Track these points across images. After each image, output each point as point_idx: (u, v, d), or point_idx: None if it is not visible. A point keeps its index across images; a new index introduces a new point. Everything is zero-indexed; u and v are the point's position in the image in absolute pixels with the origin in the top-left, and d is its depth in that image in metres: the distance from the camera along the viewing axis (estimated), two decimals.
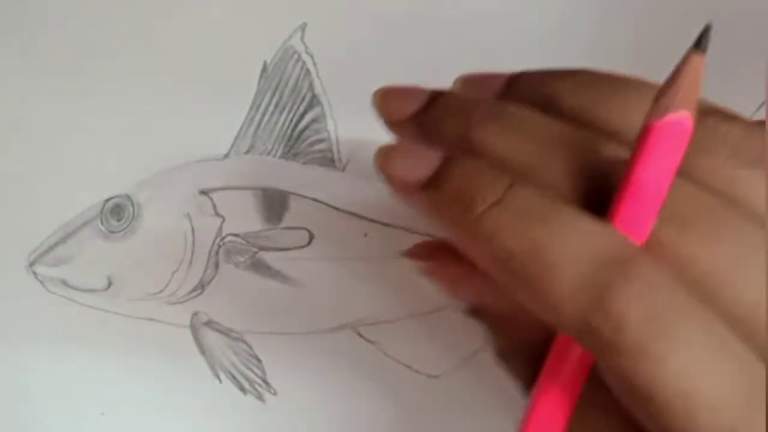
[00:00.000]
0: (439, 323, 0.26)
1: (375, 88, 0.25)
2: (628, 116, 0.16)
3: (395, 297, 0.26)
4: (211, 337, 0.25)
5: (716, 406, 0.14)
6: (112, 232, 0.25)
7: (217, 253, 0.25)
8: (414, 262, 0.21)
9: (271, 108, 0.25)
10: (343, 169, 0.25)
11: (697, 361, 0.14)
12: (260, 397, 0.25)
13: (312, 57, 0.25)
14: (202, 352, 0.25)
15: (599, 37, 0.26)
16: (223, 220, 0.25)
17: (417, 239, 0.25)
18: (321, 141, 0.25)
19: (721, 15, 0.24)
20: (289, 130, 0.25)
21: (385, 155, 0.19)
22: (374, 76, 0.25)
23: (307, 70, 0.25)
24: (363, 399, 0.26)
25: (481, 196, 0.15)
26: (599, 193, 0.15)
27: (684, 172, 0.15)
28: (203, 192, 0.25)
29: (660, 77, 0.16)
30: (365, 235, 0.25)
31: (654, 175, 0.15)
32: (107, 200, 0.25)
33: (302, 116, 0.25)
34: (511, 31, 0.25)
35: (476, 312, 0.20)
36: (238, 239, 0.25)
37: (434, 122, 0.18)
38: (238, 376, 0.25)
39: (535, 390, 0.16)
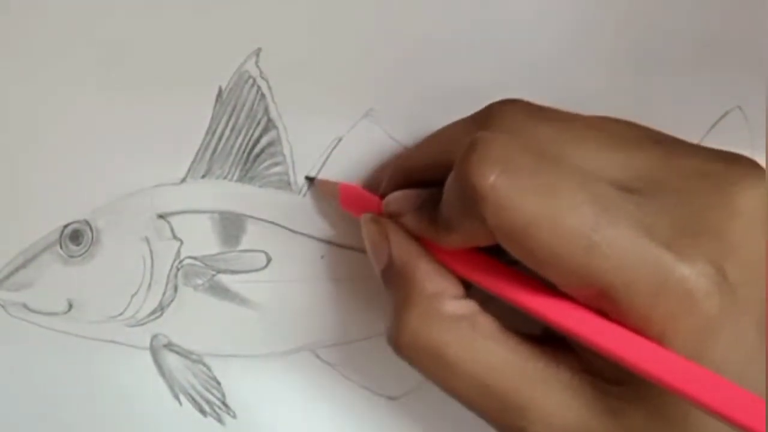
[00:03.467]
0: None
1: (329, 111, 0.25)
2: None
3: (353, 319, 0.26)
4: (170, 359, 0.26)
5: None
6: (72, 256, 0.25)
7: (175, 276, 0.25)
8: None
9: (227, 132, 0.25)
10: (300, 192, 0.25)
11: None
12: (220, 420, 0.26)
13: (267, 81, 0.25)
14: (162, 374, 0.26)
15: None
16: (181, 243, 0.25)
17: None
18: (277, 164, 0.25)
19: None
20: (245, 154, 0.25)
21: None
22: (329, 100, 0.25)
23: (263, 95, 0.25)
24: (322, 421, 0.26)
25: None
26: None
27: None
28: (161, 216, 0.25)
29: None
30: (322, 257, 0.26)
31: None
32: (66, 226, 0.25)
33: (258, 140, 0.25)
34: (479, 65, 0.25)
35: None
36: (197, 262, 0.25)
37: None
38: (198, 399, 0.26)
39: None
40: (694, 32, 0.27)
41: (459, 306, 0.20)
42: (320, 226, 0.25)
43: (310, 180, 0.25)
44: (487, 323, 0.20)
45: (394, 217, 0.22)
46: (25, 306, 0.25)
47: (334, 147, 0.25)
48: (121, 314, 0.25)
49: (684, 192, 0.18)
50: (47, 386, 0.26)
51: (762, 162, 0.20)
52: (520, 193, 0.17)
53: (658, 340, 0.17)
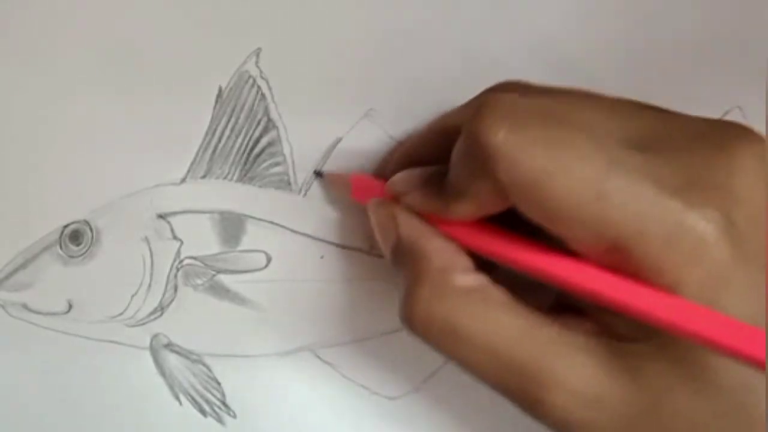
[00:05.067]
0: (397, 345, 0.26)
1: (329, 111, 0.25)
2: None
3: (353, 319, 0.26)
4: (170, 359, 0.26)
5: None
6: (72, 257, 0.25)
7: (175, 276, 0.25)
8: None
9: (227, 132, 0.25)
10: (300, 192, 0.25)
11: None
12: (220, 420, 0.26)
13: (267, 81, 0.25)
14: (162, 374, 0.26)
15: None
16: (181, 243, 0.25)
17: (373, 261, 0.26)
18: (277, 164, 0.25)
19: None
20: (245, 154, 0.25)
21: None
22: (329, 100, 0.25)
23: (263, 95, 0.25)
24: (322, 421, 0.26)
25: None
26: None
27: None
28: (161, 216, 0.25)
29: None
30: (322, 257, 0.26)
31: None
32: (66, 226, 0.25)
33: (258, 140, 0.25)
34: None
35: None
36: (197, 262, 0.25)
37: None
38: (198, 399, 0.26)
39: None
40: (694, 32, 0.27)
41: (470, 279, 0.20)
42: (320, 226, 0.26)
43: (319, 174, 0.25)
44: (498, 294, 0.20)
45: (399, 197, 0.22)
46: (25, 306, 0.25)
47: (334, 147, 0.25)
48: (121, 314, 0.25)
49: (687, 150, 0.18)
50: (47, 386, 0.26)
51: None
52: (530, 147, 0.18)
53: (672, 290, 0.17)
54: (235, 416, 0.26)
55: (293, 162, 0.25)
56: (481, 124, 0.18)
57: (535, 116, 0.18)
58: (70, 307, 0.25)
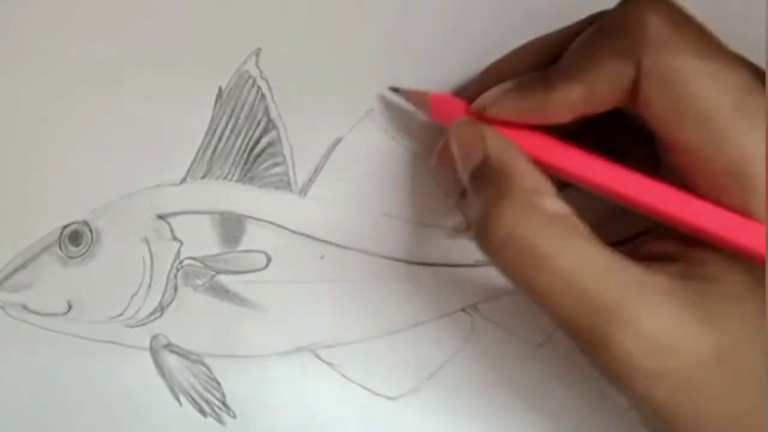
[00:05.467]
0: (397, 345, 0.26)
1: (329, 111, 0.25)
2: None
3: (353, 319, 0.26)
4: (170, 359, 0.26)
5: None
6: (71, 257, 0.25)
7: (175, 276, 0.25)
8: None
9: (227, 133, 0.25)
10: (300, 192, 0.25)
11: None
12: (220, 420, 0.26)
13: (267, 81, 0.25)
14: (162, 374, 0.25)
15: None
16: (181, 244, 0.25)
17: (374, 261, 0.26)
18: (277, 165, 0.25)
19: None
20: (245, 155, 0.25)
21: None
22: (329, 100, 0.25)
23: (263, 95, 0.25)
24: (322, 421, 0.26)
25: None
26: None
27: None
28: (161, 217, 0.25)
29: None
30: (322, 257, 0.26)
31: None
32: (65, 226, 0.25)
33: (258, 140, 0.25)
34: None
35: None
36: (196, 263, 0.25)
37: None
38: (198, 399, 0.26)
39: None
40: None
41: (557, 205, 0.19)
42: (320, 226, 0.25)
43: (395, 90, 0.24)
44: (583, 226, 0.19)
45: (489, 110, 0.21)
46: (24, 307, 0.25)
47: (334, 147, 0.25)
48: (120, 315, 0.25)
49: None
50: (47, 387, 0.26)
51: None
52: (686, 41, 0.18)
53: None
54: (235, 416, 0.26)
55: (293, 162, 0.25)
56: (642, 3, 0.18)
57: (693, 18, 0.18)
58: (70, 307, 0.25)
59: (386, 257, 0.26)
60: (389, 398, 0.26)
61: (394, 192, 0.26)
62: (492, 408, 0.26)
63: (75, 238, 0.25)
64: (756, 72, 0.19)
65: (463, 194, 0.24)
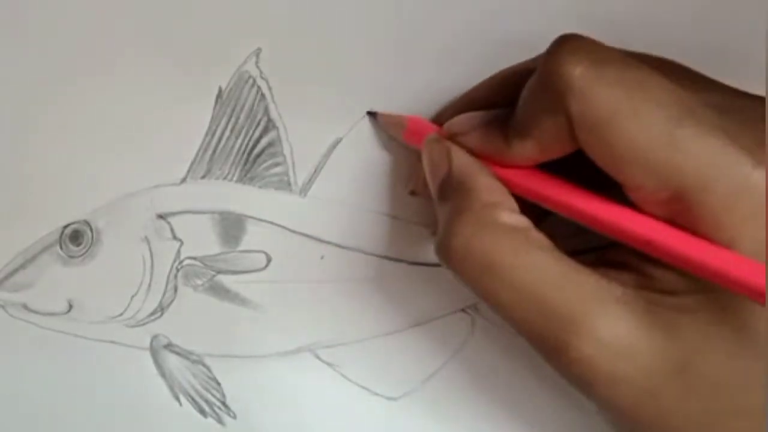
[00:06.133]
0: (397, 345, 0.26)
1: (329, 111, 0.25)
2: None
3: (353, 319, 0.26)
4: (170, 359, 0.26)
5: None
6: (72, 257, 0.25)
7: (175, 276, 0.25)
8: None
9: (227, 133, 0.25)
10: (300, 192, 0.25)
11: None
12: (220, 420, 0.26)
13: (267, 81, 0.25)
14: (162, 374, 0.25)
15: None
16: (181, 243, 0.25)
17: (373, 261, 0.26)
18: (277, 165, 0.25)
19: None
20: (245, 155, 0.25)
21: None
22: (329, 100, 0.25)
23: (263, 95, 0.25)
24: (322, 422, 0.26)
25: None
26: None
27: None
28: (161, 216, 0.25)
29: None
30: (322, 257, 0.26)
31: None
32: (66, 226, 0.25)
33: (258, 140, 0.25)
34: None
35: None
36: (197, 262, 0.25)
37: None
38: (198, 399, 0.26)
39: None
40: (694, 34, 0.27)
41: (514, 218, 0.20)
42: (320, 226, 0.25)
43: (372, 114, 0.25)
44: (541, 238, 0.20)
45: (457, 138, 0.22)
46: (25, 306, 0.25)
47: (334, 147, 0.25)
48: (121, 315, 0.25)
49: (760, 121, 0.19)
50: (47, 387, 0.26)
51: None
52: (607, 85, 0.18)
53: (728, 246, 0.17)
54: (235, 416, 0.26)
55: (293, 162, 0.25)
56: (559, 57, 0.18)
57: (614, 58, 0.18)
58: (70, 307, 0.25)
59: (386, 257, 0.26)
60: (389, 398, 0.26)
61: (394, 192, 0.26)
62: (492, 408, 0.26)
63: (75, 238, 0.25)
64: (694, 80, 0.20)
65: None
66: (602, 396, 0.18)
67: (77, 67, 0.25)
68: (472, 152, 0.21)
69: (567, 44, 0.18)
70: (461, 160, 0.21)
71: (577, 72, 0.18)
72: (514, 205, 0.20)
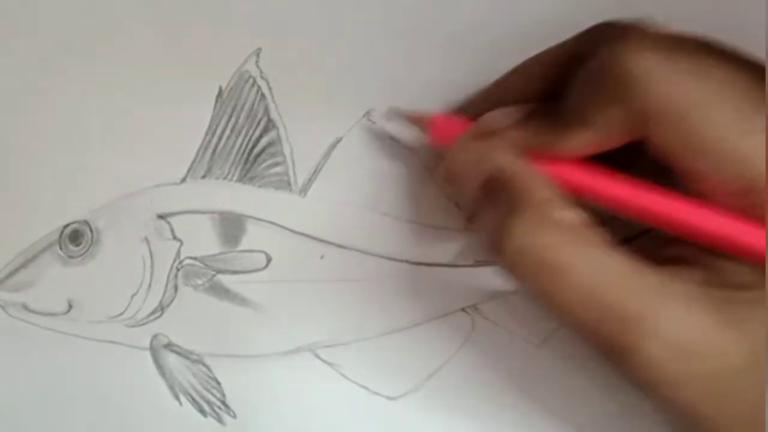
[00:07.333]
0: (397, 345, 0.26)
1: (329, 111, 0.25)
2: None
3: (353, 319, 0.26)
4: (170, 359, 0.26)
5: None
6: (71, 257, 0.25)
7: (175, 276, 0.25)
8: None
9: (227, 132, 0.25)
10: (300, 192, 0.25)
11: None
12: (220, 420, 0.26)
13: (267, 81, 0.25)
14: (162, 374, 0.25)
15: None
16: (181, 243, 0.25)
17: (373, 261, 0.26)
18: (277, 164, 0.25)
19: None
20: (245, 154, 0.25)
21: None
22: (329, 100, 0.25)
23: (263, 95, 0.25)
24: (322, 421, 0.26)
25: None
26: None
27: None
28: (161, 216, 0.25)
29: None
30: (322, 257, 0.26)
31: None
32: (65, 226, 0.25)
33: (258, 140, 0.25)
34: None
35: None
36: (197, 262, 0.25)
37: None
38: (198, 399, 0.26)
39: None
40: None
41: (570, 214, 0.19)
42: (320, 226, 0.25)
43: (395, 112, 0.24)
44: (598, 234, 0.19)
45: (495, 133, 0.21)
46: (25, 306, 0.25)
47: (334, 147, 0.25)
48: (121, 314, 0.25)
49: None
50: (47, 387, 0.26)
51: None
52: (682, 74, 0.18)
53: None
54: (235, 416, 0.26)
55: (293, 162, 0.25)
56: (628, 48, 0.18)
57: (683, 47, 0.18)
58: (70, 307, 0.25)
59: (386, 257, 0.26)
60: (389, 398, 0.26)
61: (394, 192, 0.26)
62: (492, 408, 0.26)
63: (75, 238, 0.25)
64: (754, 70, 0.19)
65: (470, 218, 0.24)
66: (668, 396, 0.18)
67: (77, 67, 0.25)
68: (512, 148, 0.21)
69: (634, 33, 0.18)
70: (507, 156, 0.20)
71: (650, 63, 0.18)
72: (567, 200, 0.20)
